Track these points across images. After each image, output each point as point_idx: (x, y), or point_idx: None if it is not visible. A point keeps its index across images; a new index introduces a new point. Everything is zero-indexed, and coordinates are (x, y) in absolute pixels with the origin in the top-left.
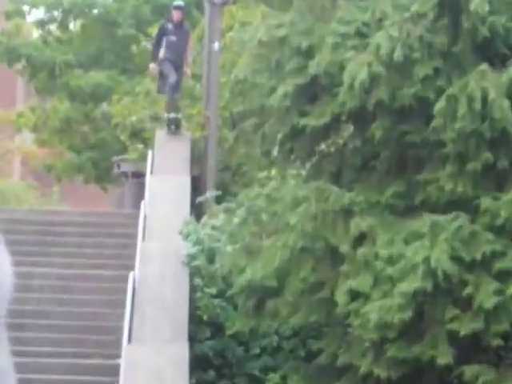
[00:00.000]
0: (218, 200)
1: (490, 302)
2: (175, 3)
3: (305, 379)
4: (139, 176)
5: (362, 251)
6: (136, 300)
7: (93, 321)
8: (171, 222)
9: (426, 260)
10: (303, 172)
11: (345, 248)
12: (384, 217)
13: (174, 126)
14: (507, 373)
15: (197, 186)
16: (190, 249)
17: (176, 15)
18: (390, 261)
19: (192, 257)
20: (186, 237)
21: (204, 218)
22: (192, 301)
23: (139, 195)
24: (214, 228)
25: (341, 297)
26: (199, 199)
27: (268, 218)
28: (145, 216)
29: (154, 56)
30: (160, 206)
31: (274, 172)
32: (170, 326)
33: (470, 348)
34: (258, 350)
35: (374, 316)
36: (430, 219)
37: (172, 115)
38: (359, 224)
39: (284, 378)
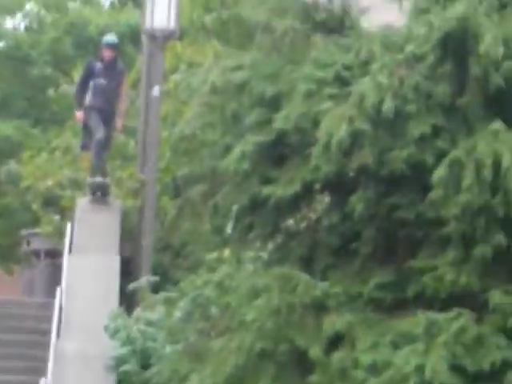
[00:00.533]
0: (155, 288)
1: None
2: (107, 39)
3: None
4: (54, 255)
5: (337, 356)
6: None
7: None
8: (94, 315)
9: (420, 369)
10: (264, 254)
11: (316, 352)
12: (366, 313)
13: (100, 193)
14: None
15: (128, 270)
16: (118, 350)
17: (108, 54)
18: (374, 369)
19: (121, 360)
20: (114, 334)
21: (137, 311)
22: None
23: (54, 280)
24: (149, 323)
25: None
26: (131, 286)
27: (219, 311)
28: (61, 307)
29: (79, 102)
30: (81, 295)
31: (226, 253)
32: None
33: None
34: None
35: None
36: (426, 317)
37: (98, 179)
38: (335, 322)
39: None
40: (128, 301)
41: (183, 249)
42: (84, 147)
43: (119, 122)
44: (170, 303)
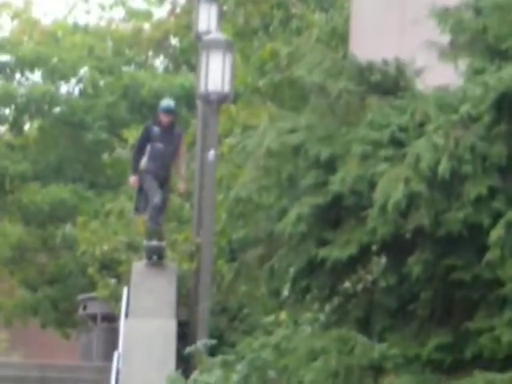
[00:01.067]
0: (212, 351)
1: None
2: (164, 104)
3: None
4: (111, 319)
5: None
6: None
7: None
8: (152, 379)
9: None
10: (321, 317)
11: None
12: (425, 375)
13: (156, 257)
14: None
15: (184, 333)
16: None
17: (166, 119)
18: None
19: None
20: None
21: (194, 374)
22: None
23: (111, 344)
24: None
25: None
26: (188, 350)
27: (276, 374)
28: (118, 371)
29: (135, 166)
30: (137, 359)
31: (283, 316)
32: None
33: None
34: None
35: None
36: (484, 378)
37: (154, 243)
38: (393, 383)
39: None
40: (185, 364)
41: (240, 312)
42: (138, 210)
43: (182, 185)
44: (227, 366)
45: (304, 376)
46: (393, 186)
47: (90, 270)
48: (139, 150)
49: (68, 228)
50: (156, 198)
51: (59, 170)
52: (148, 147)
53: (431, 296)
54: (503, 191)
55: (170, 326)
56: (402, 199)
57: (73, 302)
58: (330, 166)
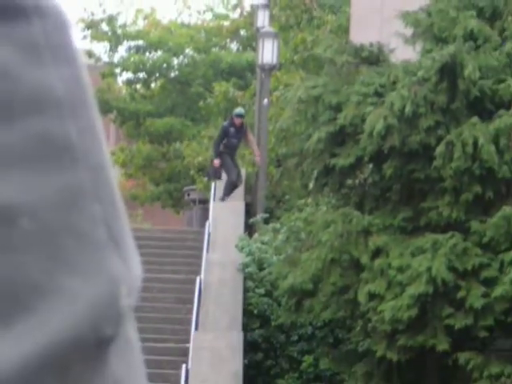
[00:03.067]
0: (266, 221)
1: (478, 303)
2: (238, 112)
3: (333, 361)
4: (204, 202)
5: (378, 262)
6: (201, 298)
7: (167, 314)
8: (229, 238)
9: (428, 270)
10: (333, 201)
11: (365, 260)
12: (396, 235)
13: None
14: (491, 358)
15: (249, 211)
16: (244, 259)
17: (238, 122)
18: (400, 270)
19: (245, 265)
20: (241, 249)
21: (255, 235)
22: (245, 299)
23: (204, 217)
24: (263, 243)
25: (362, 297)
26: (251, 220)
27: (305, 236)
28: (209, 233)
29: (216, 152)
30: (221, 226)
31: (310, 200)
32: (227, 319)
33: (462, 338)
34: (296, 337)
35: (387, 313)
36: (432, 237)
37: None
38: (376, 241)
39: (316, 359)
40: (249, 229)
41: (283, 198)
42: (210, 177)
43: (257, 158)
44: (275, 231)
45: (322, 237)
46: (376, 120)
47: (192, 172)
48: (219, 141)
49: (178, 145)
50: (233, 176)
51: (172, 111)
52: (225, 140)
53: (400, 187)
54: (444, 123)
55: (241, 206)
56: (382, 129)
57: (181, 192)
58: (337, 109)
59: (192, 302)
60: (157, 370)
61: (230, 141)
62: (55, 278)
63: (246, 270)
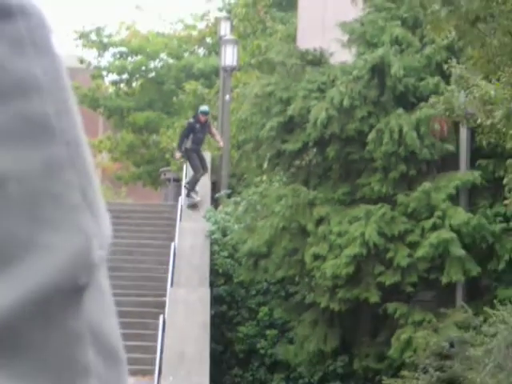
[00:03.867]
0: (229, 196)
1: (404, 262)
2: (203, 109)
3: (284, 311)
4: (178, 180)
5: (321, 229)
6: (176, 260)
7: (147, 273)
8: (199, 210)
9: (362, 235)
10: (284, 178)
11: (310, 227)
12: (336, 207)
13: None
14: (415, 307)
15: (215, 187)
16: (210, 227)
17: (203, 118)
18: (340, 235)
19: (212, 232)
20: (208, 219)
21: (220, 208)
22: (212, 261)
23: (178, 193)
24: (226, 214)
25: (308, 258)
26: (217, 195)
27: (261, 207)
28: (181, 206)
29: (180, 146)
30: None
31: (264, 178)
32: (197, 277)
33: (391, 292)
34: (254, 292)
35: (329, 270)
36: (365, 208)
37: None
38: (319, 211)
39: (271, 310)
40: (215, 203)
41: (242, 176)
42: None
43: (221, 143)
44: (236, 204)
45: (274, 208)
46: (319, 112)
47: (167, 156)
48: (185, 136)
49: (155, 137)
50: (199, 175)
51: (150, 106)
52: (191, 135)
53: (339, 167)
54: (375, 114)
55: (208, 183)
56: (324, 119)
57: (158, 172)
58: (287, 102)
59: (168, 263)
60: (138, 320)
61: (197, 135)
62: (37, 235)
63: (213, 237)
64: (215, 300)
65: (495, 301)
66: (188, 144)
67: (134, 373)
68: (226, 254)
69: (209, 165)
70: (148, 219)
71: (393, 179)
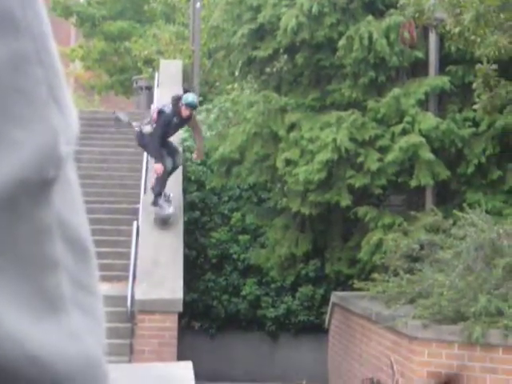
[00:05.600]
0: (201, 104)
1: (374, 166)
2: (191, 101)
3: (257, 216)
4: (149, 89)
5: (292, 135)
6: (148, 167)
7: (121, 180)
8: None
9: (334, 140)
10: (255, 85)
11: (282, 133)
12: (307, 113)
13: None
14: (385, 211)
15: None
16: (183, 134)
17: (186, 113)
18: (311, 140)
19: (184, 139)
20: None
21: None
22: (184, 168)
23: (150, 101)
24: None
25: (279, 164)
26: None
27: (232, 114)
28: (153, 110)
29: (160, 156)
30: (161, 103)
31: (236, 85)
32: (170, 183)
33: (361, 195)
34: (227, 198)
35: (301, 175)
36: (336, 114)
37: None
38: (291, 117)
39: (243, 215)
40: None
41: (214, 83)
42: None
43: (196, 154)
44: (208, 111)
45: (246, 115)
46: (289, 19)
47: (139, 64)
48: (161, 140)
49: (127, 43)
50: (168, 164)
51: (122, 14)
52: (163, 128)
53: (309, 73)
54: (344, 21)
55: (179, 91)
56: (294, 25)
57: (131, 81)
58: (257, 9)
59: (141, 170)
60: (112, 227)
61: (170, 132)
62: (3, 130)
63: (185, 144)
64: (188, 206)
65: (464, 204)
66: (147, 129)
67: (108, 279)
68: (198, 161)
69: (180, 72)
70: (121, 127)
71: (363, 85)
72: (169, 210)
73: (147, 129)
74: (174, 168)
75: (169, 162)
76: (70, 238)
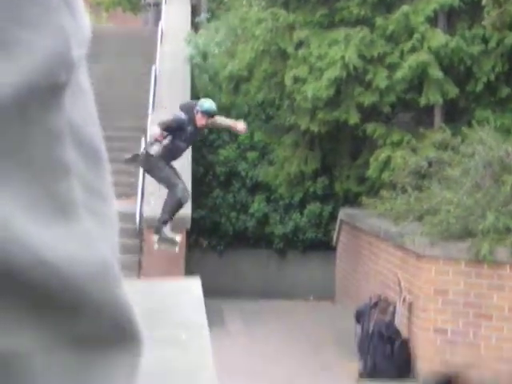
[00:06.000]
0: (209, 21)
1: (383, 84)
2: (207, 107)
3: (265, 133)
4: (158, 5)
5: (301, 52)
6: (157, 84)
7: (129, 97)
8: (179, 34)
9: (342, 57)
10: (263, 3)
11: (290, 50)
12: (315, 29)
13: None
14: (393, 128)
15: (194, 11)
16: (191, 51)
17: (202, 122)
18: (320, 58)
19: (192, 56)
20: (189, 43)
21: (200, 31)
22: (192, 85)
23: (158, 18)
24: (206, 38)
25: (288, 81)
26: (197, 19)
27: (241, 31)
28: (162, 28)
29: (164, 127)
30: (171, 24)
31: (244, 2)
32: (178, 101)
33: (370, 113)
34: (234, 115)
35: (309, 93)
36: (345, 31)
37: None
38: (299, 34)
39: (251, 133)
40: (195, 28)
41: (222, 0)
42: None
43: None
44: (216, 29)
45: (255, 32)
46: None
47: None
48: (171, 127)
49: None
50: (178, 191)
51: None
52: (175, 142)
53: None
54: None
55: (187, 7)
56: None
57: None
58: None
59: (149, 88)
60: (120, 144)
61: (178, 144)
62: (14, 33)
63: (193, 61)
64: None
65: (473, 122)
66: (155, 149)
67: (117, 195)
68: (206, 78)
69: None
70: (129, 44)
71: (371, 2)
72: (176, 237)
73: (155, 149)
74: (184, 200)
75: (180, 190)
76: (82, 143)
